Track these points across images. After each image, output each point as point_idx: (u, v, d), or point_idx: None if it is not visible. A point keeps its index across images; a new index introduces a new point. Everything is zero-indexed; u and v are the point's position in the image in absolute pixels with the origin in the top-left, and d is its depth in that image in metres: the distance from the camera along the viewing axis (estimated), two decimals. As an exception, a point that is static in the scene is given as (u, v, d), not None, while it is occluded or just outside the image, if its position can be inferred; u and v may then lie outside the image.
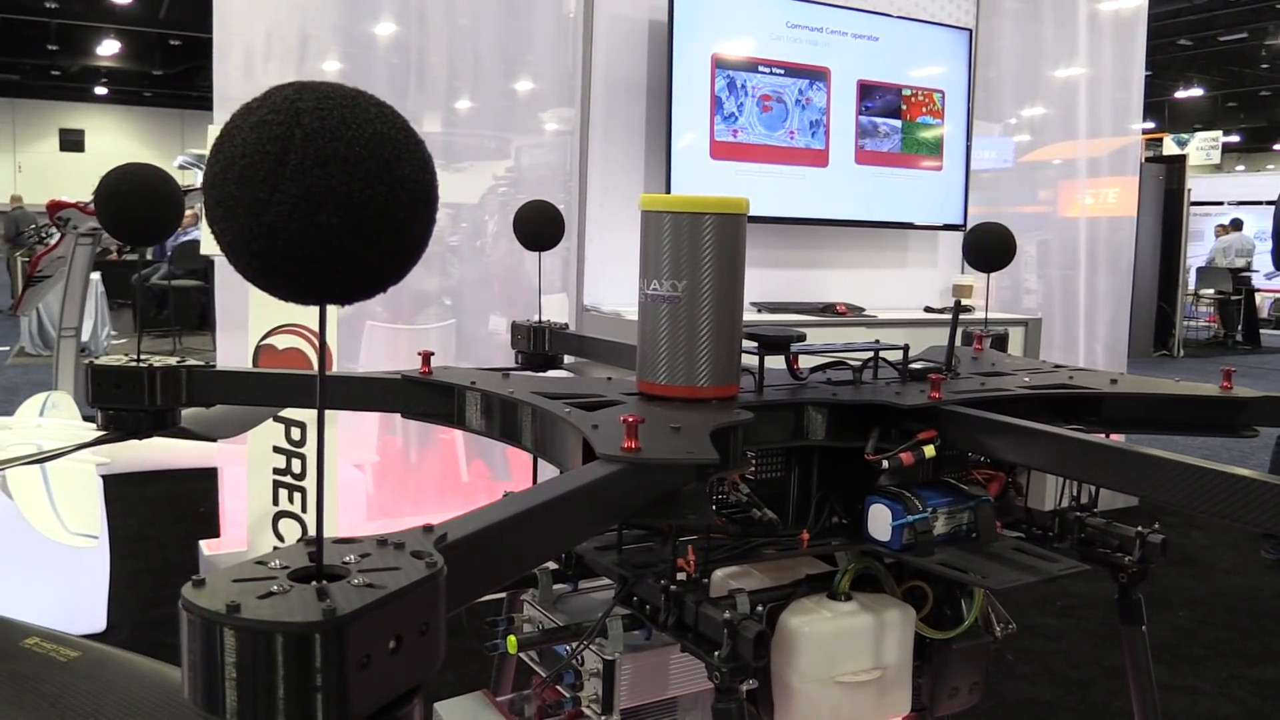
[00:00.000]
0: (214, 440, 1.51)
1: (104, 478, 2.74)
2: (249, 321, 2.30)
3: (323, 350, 0.55)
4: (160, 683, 0.63)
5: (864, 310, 4.35)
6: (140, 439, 1.35)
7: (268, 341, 2.31)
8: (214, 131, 2.49)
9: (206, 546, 3.34)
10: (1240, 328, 13.36)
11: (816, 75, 4.23)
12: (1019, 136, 5.52)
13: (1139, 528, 1.37)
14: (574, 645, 1.15)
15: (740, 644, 0.98)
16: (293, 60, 3.61)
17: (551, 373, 2.02)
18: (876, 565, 1.32)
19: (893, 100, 4.46)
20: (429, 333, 4.19)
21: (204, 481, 4.84)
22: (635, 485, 0.87)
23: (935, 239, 4.91)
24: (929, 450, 1.24)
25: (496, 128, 4.37)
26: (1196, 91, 22.68)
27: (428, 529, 0.64)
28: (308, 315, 2.32)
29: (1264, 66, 20.96)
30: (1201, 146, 21.88)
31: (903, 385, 1.40)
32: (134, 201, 1.27)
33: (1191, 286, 13.41)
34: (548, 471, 1.59)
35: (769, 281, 4.42)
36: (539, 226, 2.09)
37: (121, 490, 4.08)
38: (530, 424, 1.10)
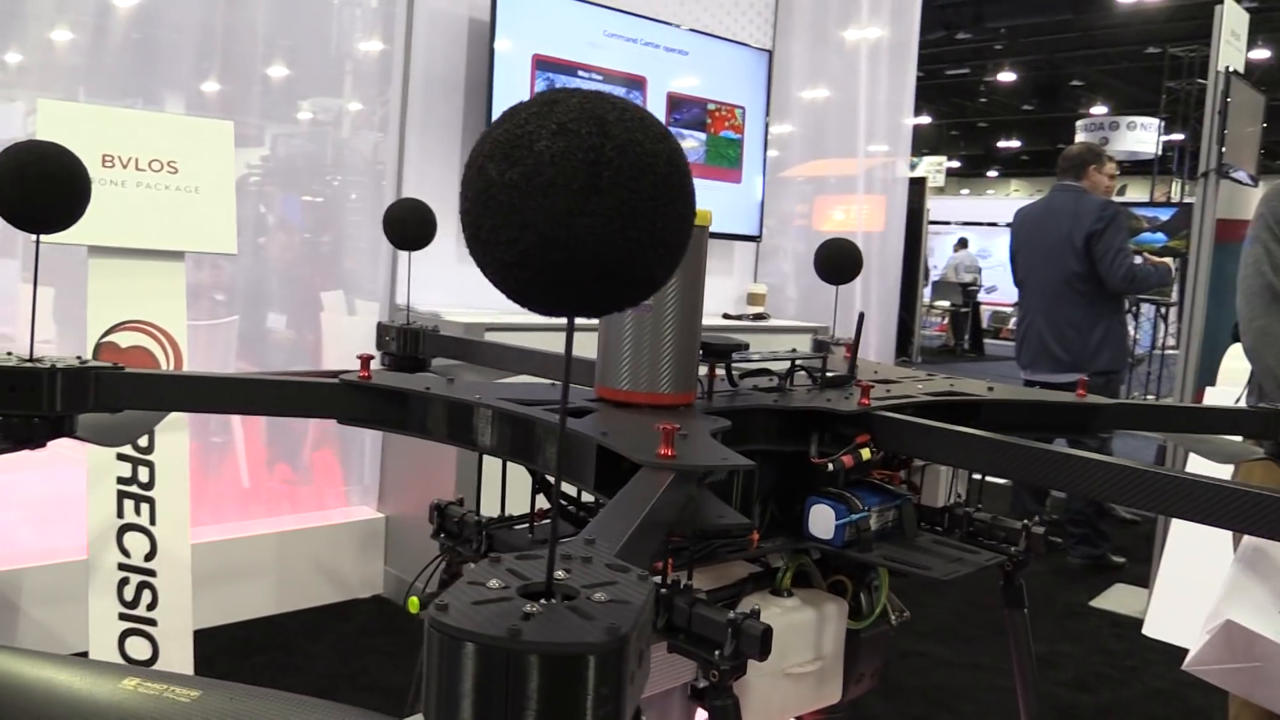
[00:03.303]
0: (112, 447, 1.38)
1: None
2: (87, 318, 2.08)
3: (569, 358, 0.53)
4: None
5: (670, 315, 4.48)
6: (33, 449, 1.22)
7: (109, 339, 2.10)
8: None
9: (-24, 565, 2.99)
10: (968, 337, 14.76)
11: (634, 84, 4.32)
12: (800, 153, 5.84)
13: (1024, 521, 1.52)
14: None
15: (745, 642, 1.01)
16: (25, 28, 3.27)
17: (428, 368, 1.97)
18: (809, 562, 1.39)
19: (699, 114, 4.63)
20: (217, 330, 3.92)
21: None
22: (679, 494, 0.89)
23: (732, 249, 5.13)
24: (865, 453, 1.33)
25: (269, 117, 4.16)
26: (925, 119, 24.82)
27: (589, 541, 0.63)
28: (153, 312, 2.13)
29: (982, 100, 23.22)
30: (929, 170, 23.95)
31: (822, 391, 1.49)
32: (42, 185, 1.14)
33: (927, 299, 14.67)
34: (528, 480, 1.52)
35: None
36: (412, 227, 2.05)
37: None
38: (533, 434, 1.09)
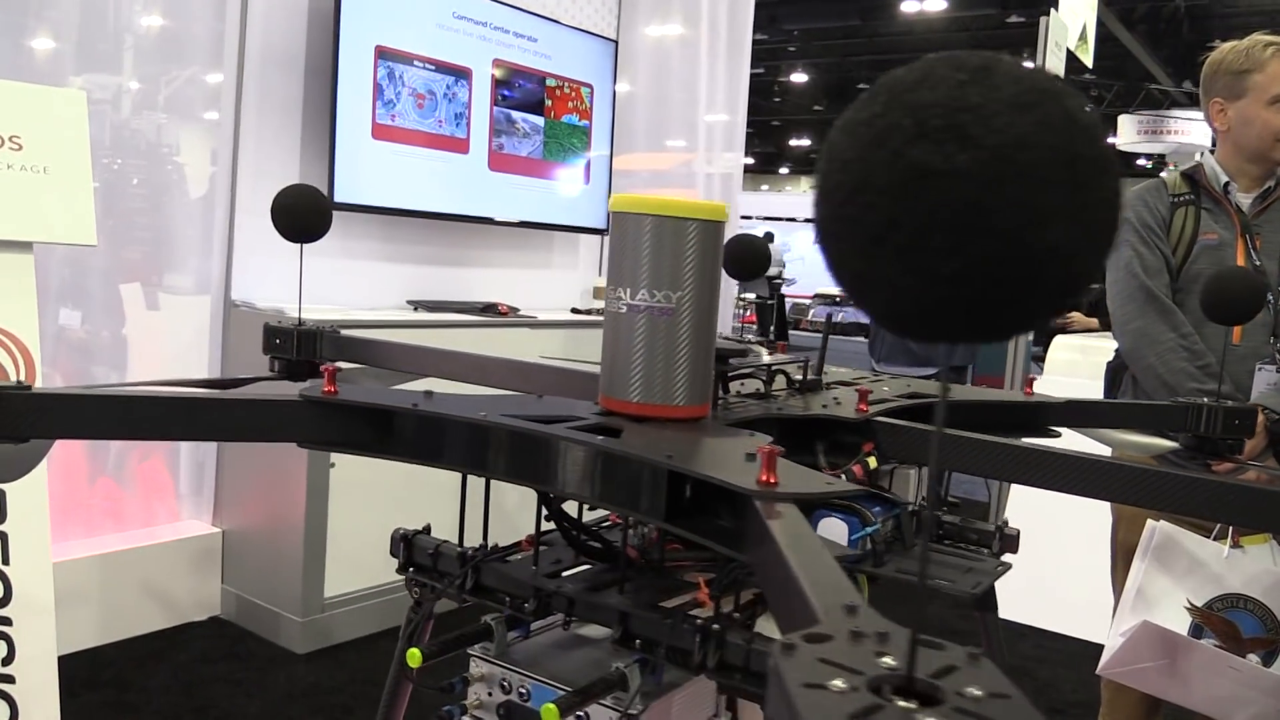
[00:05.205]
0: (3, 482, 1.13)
1: None
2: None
3: (949, 388, 0.42)
4: None
5: (519, 310, 4.34)
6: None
7: (-52, 348, 1.76)
8: None
9: None
10: (773, 327, 15.22)
11: (461, 73, 4.13)
12: (638, 145, 5.79)
13: (997, 523, 1.51)
14: (615, 704, 1.01)
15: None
16: None
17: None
18: (808, 579, 1.32)
19: (539, 99, 4.49)
20: None
21: None
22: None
23: (577, 241, 5.02)
24: (872, 462, 1.27)
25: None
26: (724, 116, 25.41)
27: (851, 607, 0.52)
28: (4, 316, 1.79)
29: (776, 100, 24.06)
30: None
31: (804, 396, 1.42)
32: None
33: (735, 291, 15.04)
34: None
35: (424, 279, 4.27)
36: (304, 216, 1.86)
37: None
38: (612, 463, 0.95)
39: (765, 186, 28.96)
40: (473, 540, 1.22)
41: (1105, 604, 2.58)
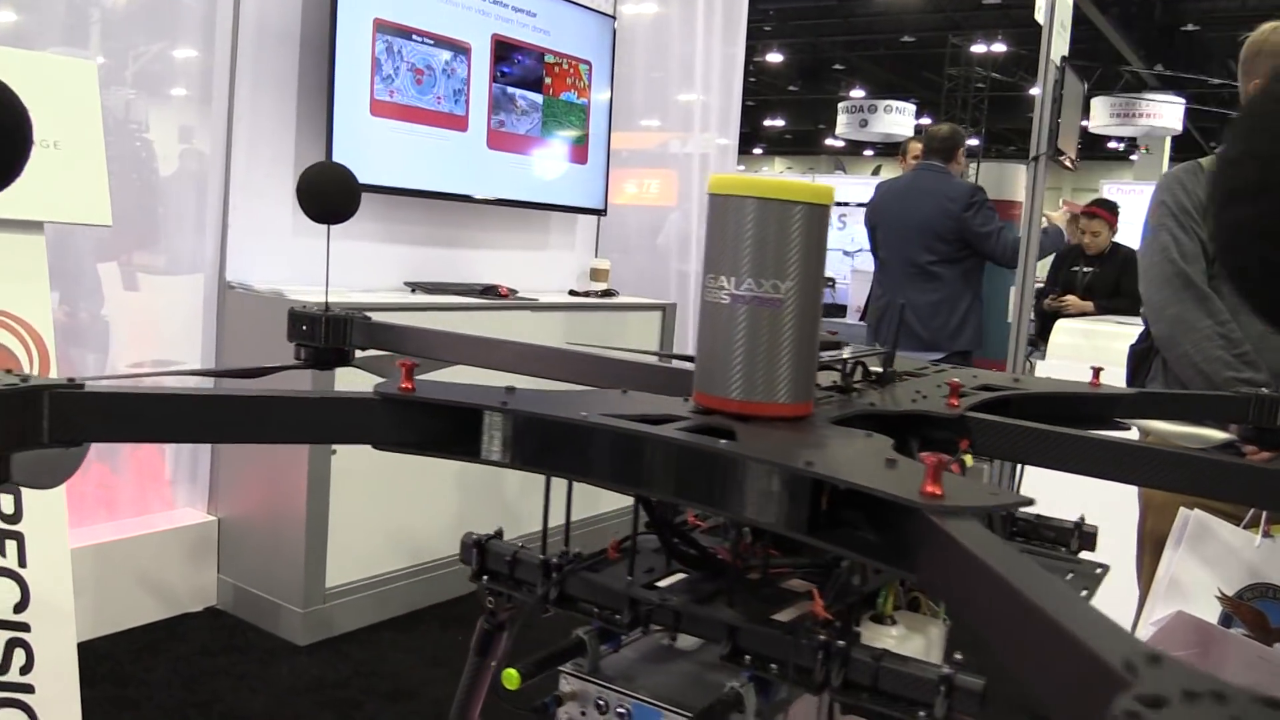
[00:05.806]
0: (46, 488, 1.04)
1: None
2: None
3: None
4: None
5: (518, 292, 4.25)
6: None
7: (-41, 336, 1.64)
8: None
9: None
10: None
11: (461, 49, 4.01)
12: (634, 123, 5.71)
13: (1076, 520, 1.45)
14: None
15: (960, 700, 0.86)
16: None
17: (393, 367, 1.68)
18: (896, 584, 1.26)
19: (538, 76, 4.39)
20: None
21: None
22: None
23: (574, 222, 4.93)
24: (968, 460, 1.21)
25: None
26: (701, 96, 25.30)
27: (1154, 657, 0.45)
28: (8, 298, 1.67)
29: (751, 80, 23.97)
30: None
31: (881, 390, 1.35)
32: None
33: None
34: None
35: (421, 260, 4.16)
36: (334, 197, 1.77)
37: None
38: (708, 466, 0.87)
39: (741, 167, 28.83)
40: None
41: (1124, 592, 2.55)
